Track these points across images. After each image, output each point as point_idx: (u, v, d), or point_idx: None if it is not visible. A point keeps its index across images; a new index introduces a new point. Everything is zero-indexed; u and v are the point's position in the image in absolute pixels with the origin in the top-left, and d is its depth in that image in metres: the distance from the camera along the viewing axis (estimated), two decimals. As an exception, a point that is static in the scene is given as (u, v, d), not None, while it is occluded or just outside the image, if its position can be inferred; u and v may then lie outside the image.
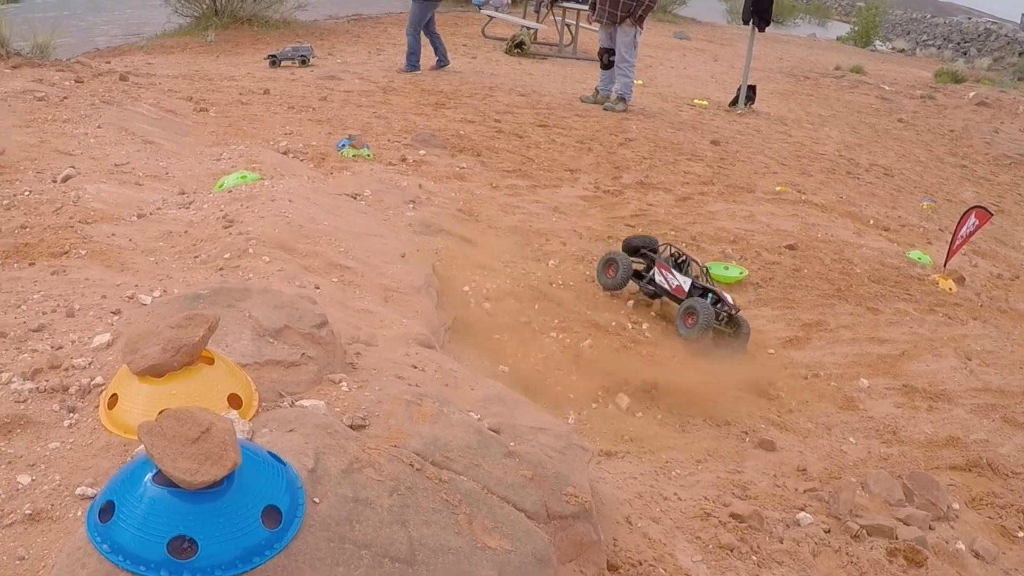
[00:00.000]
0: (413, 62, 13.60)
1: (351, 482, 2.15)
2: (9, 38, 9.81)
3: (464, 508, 2.27)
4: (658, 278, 6.20)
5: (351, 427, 2.50)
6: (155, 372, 2.44)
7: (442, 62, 14.07)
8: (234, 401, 2.48)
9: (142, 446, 1.95)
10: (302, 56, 13.25)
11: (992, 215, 8.98)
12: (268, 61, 12.98)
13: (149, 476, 1.96)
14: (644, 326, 5.89)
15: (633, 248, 6.48)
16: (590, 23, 14.52)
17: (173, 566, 1.87)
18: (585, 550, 2.69)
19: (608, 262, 6.25)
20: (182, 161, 6.58)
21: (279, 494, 2.00)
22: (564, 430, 3.10)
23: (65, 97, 8.12)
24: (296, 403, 2.62)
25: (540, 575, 2.25)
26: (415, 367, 3.36)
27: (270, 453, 2.11)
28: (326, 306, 3.70)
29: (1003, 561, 4.38)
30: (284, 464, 2.10)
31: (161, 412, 2.15)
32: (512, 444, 2.76)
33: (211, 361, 2.54)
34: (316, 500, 2.07)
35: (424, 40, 13.78)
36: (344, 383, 2.84)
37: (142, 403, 2.44)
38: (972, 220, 8.15)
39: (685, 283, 6.11)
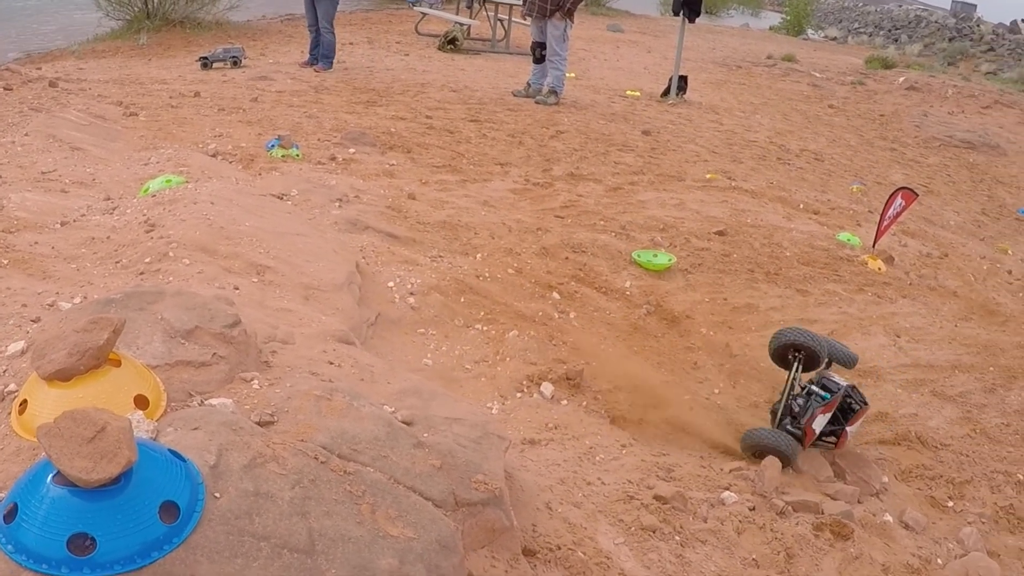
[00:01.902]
0: (332, 59, 13.54)
1: (253, 476, 2.18)
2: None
3: (368, 498, 2.30)
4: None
5: (259, 424, 2.52)
6: (62, 376, 2.44)
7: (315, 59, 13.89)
8: (141, 402, 2.49)
9: (45, 448, 1.97)
10: (233, 57, 13.17)
11: (918, 195, 9.13)
12: (200, 63, 12.89)
13: (50, 477, 1.98)
14: (572, 315, 5.93)
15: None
16: (523, 18, 14.57)
17: (73, 563, 1.90)
18: (497, 536, 2.73)
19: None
20: (110, 167, 6.55)
21: (178, 490, 2.02)
22: (481, 420, 3.13)
23: (-8, 105, 8.07)
24: (205, 402, 2.63)
25: (444, 561, 2.29)
26: (331, 363, 3.39)
27: (170, 451, 2.13)
28: (244, 306, 3.71)
29: (933, 531, 4.47)
30: (185, 461, 2.12)
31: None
32: (426, 435, 2.79)
33: (118, 363, 2.55)
34: (217, 495, 2.10)
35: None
36: (256, 381, 2.86)
37: (50, 407, 2.45)
38: (899, 201, 8.28)
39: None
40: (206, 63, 12.85)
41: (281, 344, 3.43)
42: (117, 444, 1.91)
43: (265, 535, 2.06)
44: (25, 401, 2.54)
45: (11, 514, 1.99)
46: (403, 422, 2.83)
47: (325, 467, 2.34)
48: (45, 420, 2.38)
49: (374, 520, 2.24)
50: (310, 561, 2.06)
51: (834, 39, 39.69)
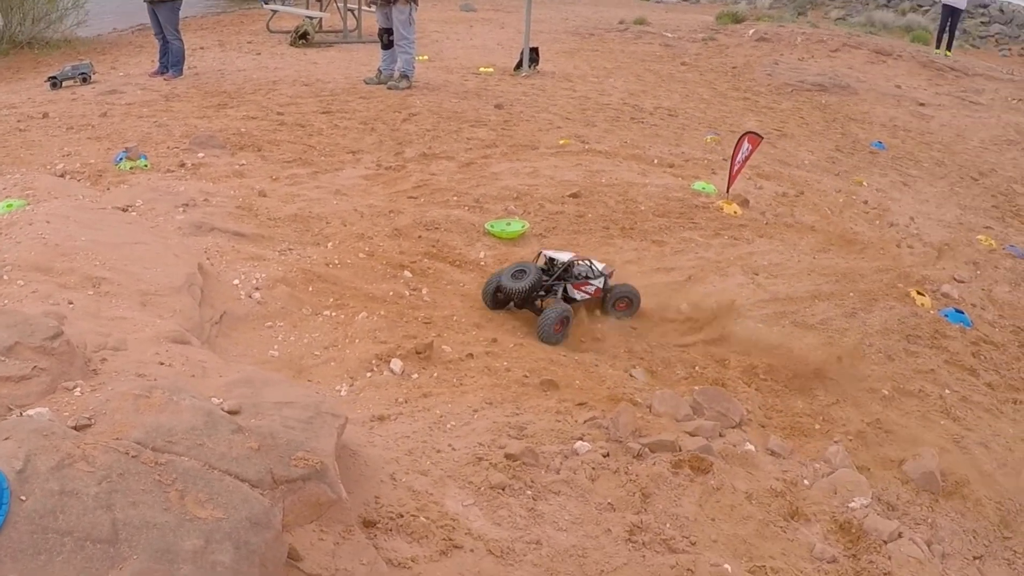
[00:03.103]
0: (182, 66, 13.41)
1: (59, 477, 2.24)
2: None
3: (178, 485, 2.37)
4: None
5: (75, 428, 2.57)
6: None
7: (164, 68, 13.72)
8: (-45, 420, 2.53)
9: None
10: (82, 74, 12.91)
11: (763, 138, 9.39)
12: (48, 84, 12.65)
13: None
14: (424, 291, 6.01)
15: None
16: (368, 6, 14.54)
17: None
18: (325, 510, 2.81)
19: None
20: (-46, 198, 6.46)
21: (-20, 497, 2.08)
22: (313, 401, 3.21)
23: None
24: (24, 413, 2.68)
25: (254, 537, 2.36)
26: (162, 363, 3.44)
27: (-26, 461, 2.19)
28: (77, 319, 3.75)
29: (799, 455, 4.63)
30: (-11, 470, 2.18)
31: None
32: (253, 421, 2.86)
33: (-69, 385, 2.59)
34: (23, 498, 2.16)
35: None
36: (78, 389, 2.90)
37: None
38: (746, 145, 8.51)
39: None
40: (55, 83, 12.60)
41: (112, 351, 3.46)
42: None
43: (68, 530, 2.12)
44: None
45: None
46: (229, 411, 2.89)
47: (136, 460, 2.40)
48: None
49: (182, 505, 2.32)
50: (112, 550, 2.13)
51: (686, 0, 40.10)
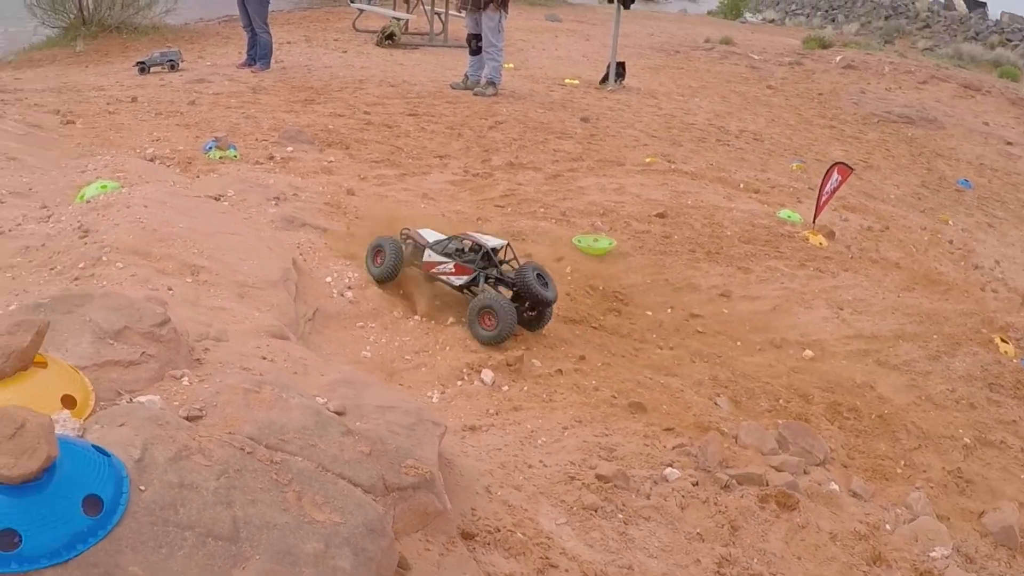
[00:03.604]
0: (269, 59, 13.50)
1: (177, 469, 2.19)
2: None
3: (294, 486, 2.32)
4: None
5: (187, 418, 2.53)
6: (-13, 379, 2.45)
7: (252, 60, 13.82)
8: (68, 402, 2.49)
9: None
10: (171, 61, 13.05)
11: (853, 170, 9.25)
12: (137, 68, 12.79)
13: (-26, 476, 2.00)
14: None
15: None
16: (458, 11, 14.58)
17: (0, 558, 1.91)
18: (431, 520, 2.76)
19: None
20: (46, 176, 6.50)
21: (101, 483, 2.04)
22: (414, 407, 3.15)
23: (-73, 119, 7.99)
24: (134, 400, 2.64)
25: (371, 544, 2.31)
26: (264, 358, 3.40)
27: (93, 446, 2.15)
28: (177, 306, 3.72)
29: (880, 498, 4.52)
30: (109, 455, 2.14)
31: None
32: (358, 423, 2.81)
33: (45, 365, 2.56)
34: (142, 488, 2.11)
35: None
36: (186, 378, 2.87)
37: (-23, 410, 2.46)
38: (835, 176, 8.38)
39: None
40: (143, 68, 12.74)
41: (214, 342, 3.43)
42: (36, 440, 1.92)
43: (189, 524, 2.07)
44: (-48, 405, 2.54)
45: (-62, 515, 1.99)
46: (334, 412, 2.84)
47: (251, 457, 2.35)
48: (-28, 424, 2.40)
49: (300, 507, 2.27)
50: (234, 548, 2.08)
51: (772, 21, 40.02)
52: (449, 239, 5.85)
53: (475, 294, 5.57)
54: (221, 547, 2.06)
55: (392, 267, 5.65)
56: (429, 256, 5.68)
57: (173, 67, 13.02)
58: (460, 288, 5.67)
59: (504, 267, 5.73)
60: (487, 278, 5.64)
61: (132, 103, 10.24)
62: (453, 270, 5.61)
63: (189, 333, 3.27)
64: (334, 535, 2.24)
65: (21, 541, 1.92)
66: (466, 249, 5.79)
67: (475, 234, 5.84)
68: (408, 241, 5.88)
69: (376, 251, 5.73)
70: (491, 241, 5.75)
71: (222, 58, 14.60)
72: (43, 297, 3.19)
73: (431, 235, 5.87)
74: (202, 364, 3.12)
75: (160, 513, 2.06)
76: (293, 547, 2.15)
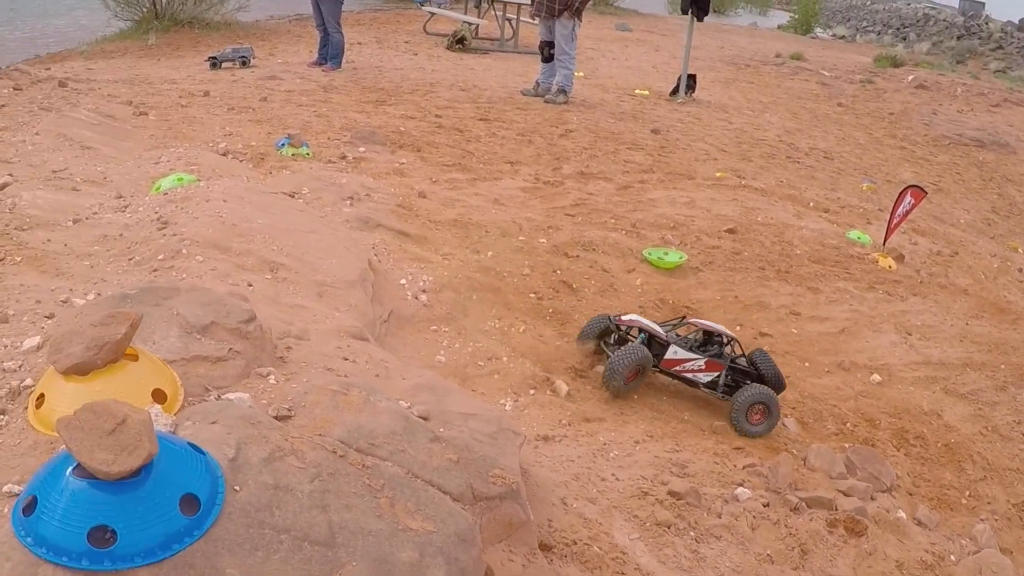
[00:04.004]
0: (341, 59, 13.57)
1: (272, 470, 2.18)
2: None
3: (387, 492, 2.30)
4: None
5: (276, 418, 2.52)
6: (79, 370, 2.45)
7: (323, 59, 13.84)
8: (158, 396, 2.49)
9: (64, 441, 1.97)
10: (242, 57, 13.16)
11: (927, 193, 9.12)
12: (208, 63, 12.90)
13: (70, 470, 1.98)
14: (584, 311, 5.93)
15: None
16: (531, 17, 14.57)
17: (94, 556, 1.89)
18: (515, 530, 2.74)
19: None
20: (120, 166, 6.55)
21: (198, 483, 2.02)
22: (495, 415, 3.14)
23: (3, 105, 8.08)
24: (222, 396, 2.63)
25: (463, 554, 2.28)
26: (346, 359, 3.39)
27: (189, 444, 2.13)
28: (258, 303, 3.71)
29: (945, 528, 4.47)
30: (204, 454, 2.12)
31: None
32: (441, 430, 2.79)
33: (135, 358, 2.55)
34: (236, 488, 2.10)
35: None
36: (272, 376, 2.86)
37: (68, 401, 2.45)
38: (908, 199, 8.26)
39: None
40: (215, 63, 12.85)
41: (296, 340, 3.43)
42: (138, 436, 1.91)
43: (285, 528, 2.06)
44: (42, 395, 2.54)
45: (30, 507, 1.99)
46: (419, 417, 2.83)
47: (343, 461, 2.34)
48: (63, 414, 2.39)
49: (393, 513, 2.25)
50: (330, 553, 2.06)
51: (842, 37, 39.68)
52: (674, 328, 5.51)
53: (711, 388, 5.25)
54: (317, 552, 2.04)
55: (643, 380, 5.17)
56: (675, 353, 5.17)
57: (244, 63, 13.13)
58: (701, 384, 5.27)
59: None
60: (731, 370, 5.33)
61: (204, 97, 10.32)
62: (704, 367, 5.20)
63: (271, 330, 3.27)
64: (428, 544, 2.21)
65: (116, 539, 1.91)
66: (701, 339, 5.42)
67: (702, 321, 5.53)
68: (634, 333, 5.36)
69: (631, 371, 4.99)
70: (723, 328, 5.47)
71: (293, 56, 14.70)
72: (130, 288, 3.20)
73: (647, 322, 5.34)
74: (286, 363, 3.11)
75: (256, 515, 2.05)
76: (389, 555, 2.13)
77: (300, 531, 2.07)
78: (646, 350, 5.03)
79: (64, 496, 1.95)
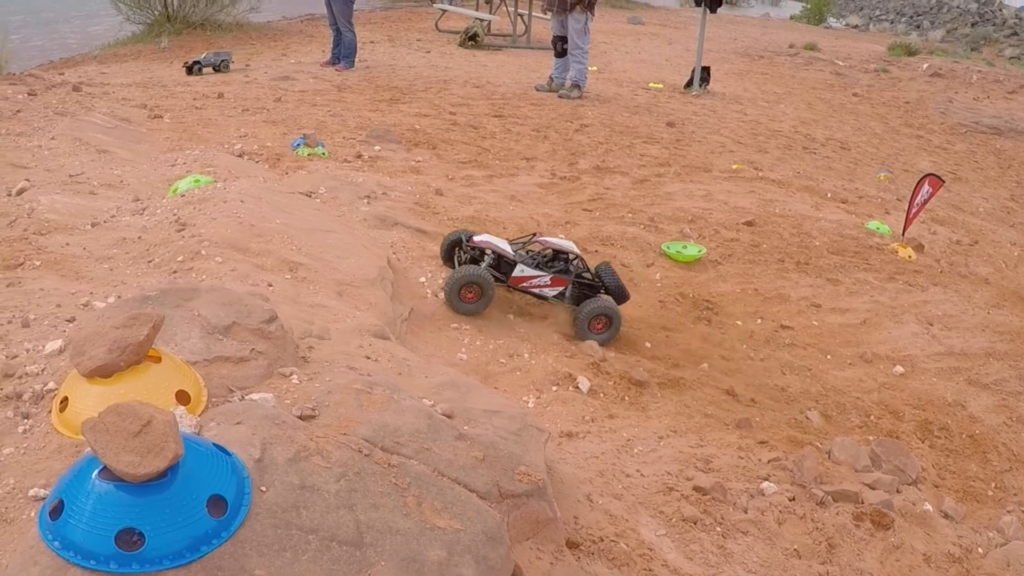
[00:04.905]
0: (353, 58, 13.56)
1: (298, 470, 2.17)
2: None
3: (413, 491, 2.29)
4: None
5: (300, 418, 2.51)
6: (102, 373, 2.44)
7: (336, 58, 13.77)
8: (182, 397, 2.49)
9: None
10: (222, 61, 12.70)
11: (944, 182, 9.05)
12: (185, 69, 12.49)
13: (96, 472, 1.98)
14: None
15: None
16: (543, 12, 14.54)
17: (122, 558, 1.89)
18: (542, 528, 2.72)
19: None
20: (137, 168, 6.56)
21: (224, 484, 2.02)
22: (519, 412, 3.12)
23: (19, 110, 8.09)
24: (246, 397, 2.63)
25: (491, 553, 2.27)
26: (368, 358, 3.38)
27: (215, 445, 2.12)
28: (278, 302, 3.71)
29: (972, 520, 4.43)
30: (230, 455, 2.11)
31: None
32: (465, 427, 2.78)
33: (158, 359, 2.55)
34: (263, 488, 2.09)
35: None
36: (295, 376, 2.85)
37: (92, 404, 2.45)
38: (926, 188, 8.22)
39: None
40: (191, 68, 12.43)
41: (317, 339, 3.42)
42: (163, 438, 1.90)
43: (313, 528, 2.05)
44: (66, 398, 2.54)
45: (57, 510, 1.99)
46: (443, 415, 2.82)
47: (369, 460, 2.32)
48: (87, 417, 2.39)
49: (420, 512, 2.23)
50: (359, 553, 2.04)
51: (856, 27, 39.46)
52: (523, 246, 5.74)
53: (559, 300, 5.59)
54: (346, 552, 2.03)
55: (489, 301, 5.31)
56: (522, 271, 5.46)
57: (218, 69, 12.62)
58: (548, 297, 5.59)
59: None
60: (576, 284, 5.60)
61: (218, 99, 10.34)
62: (550, 283, 5.51)
63: (292, 330, 3.26)
64: (456, 542, 2.20)
65: (144, 541, 1.90)
66: (549, 257, 5.70)
67: (550, 239, 5.77)
68: (486, 254, 5.51)
69: (465, 286, 5.21)
70: (571, 245, 5.74)
71: (306, 56, 14.71)
72: (151, 290, 3.20)
73: (501, 243, 5.58)
74: (308, 362, 3.10)
75: (283, 515, 2.04)
76: (418, 554, 2.11)
77: (328, 531, 2.05)
78: (479, 269, 5.29)
79: (91, 499, 1.94)
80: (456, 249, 5.66)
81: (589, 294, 5.61)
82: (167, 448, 1.90)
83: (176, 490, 1.94)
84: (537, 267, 5.51)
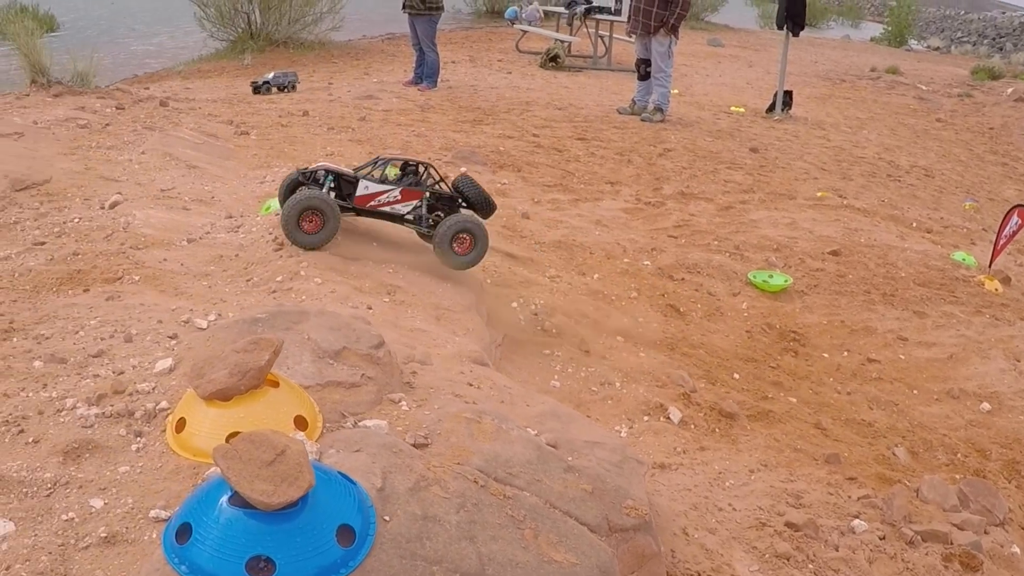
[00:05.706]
0: (436, 78, 13.66)
1: (419, 500, 2.20)
2: (49, 67, 9.94)
3: (529, 523, 2.31)
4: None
5: (414, 446, 2.55)
6: (222, 396, 2.49)
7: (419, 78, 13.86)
8: (300, 423, 2.53)
9: (215, 468, 2.01)
10: (291, 82, 12.79)
11: (1035, 214, 8.93)
12: (251, 88, 12.58)
13: (224, 498, 2.01)
14: (694, 336, 5.91)
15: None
16: (627, 35, 14.56)
17: (252, 586, 1.92)
18: (646, 562, 2.73)
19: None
20: (227, 185, 6.65)
21: (351, 513, 2.05)
22: (619, 443, 3.13)
23: (107, 124, 8.23)
24: (359, 423, 2.67)
25: (605, 587, 2.29)
26: (471, 385, 3.41)
27: (340, 473, 2.16)
28: (380, 326, 3.75)
29: (1058, 565, 4.37)
30: (354, 483, 2.15)
31: (233, 435, 2.21)
32: (570, 459, 2.80)
33: (276, 384, 2.60)
34: (386, 518, 2.12)
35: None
36: (403, 402, 2.89)
37: (210, 426, 2.50)
38: (1015, 219, 8.10)
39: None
40: (257, 88, 12.49)
41: (420, 364, 3.45)
42: (298, 468, 1.94)
43: (436, 559, 2.07)
44: (183, 419, 2.59)
45: (183, 534, 2.02)
46: (548, 445, 2.83)
47: (485, 491, 2.35)
48: (205, 439, 2.44)
49: (538, 545, 2.25)
50: (483, 586, 2.07)
51: (937, 49, 38.99)
52: (369, 167, 5.19)
53: (416, 223, 5.05)
54: (469, 584, 2.06)
55: (334, 230, 4.77)
56: (366, 188, 4.88)
57: (283, 89, 12.68)
58: (402, 217, 5.05)
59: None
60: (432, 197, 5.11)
61: (303, 117, 10.44)
62: (400, 197, 4.96)
63: (396, 355, 3.29)
64: (573, 577, 2.22)
65: (274, 569, 1.93)
66: (399, 171, 5.21)
67: (397, 154, 5.31)
68: (325, 178, 5.00)
69: (306, 214, 4.68)
70: (417, 157, 5.33)
71: (388, 75, 14.84)
72: (260, 312, 3.25)
73: (333, 164, 5.08)
74: (413, 388, 3.14)
75: (407, 546, 2.07)
76: (537, 588, 2.13)
77: (451, 563, 2.08)
78: (316, 190, 4.78)
79: (219, 524, 1.98)
80: (297, 189, 5.01)
81: (449, 210, 5.12)
82: (302, 478, 1.94)
83: (307, 519, 1.98)
84: (383, 182, 4.98)
